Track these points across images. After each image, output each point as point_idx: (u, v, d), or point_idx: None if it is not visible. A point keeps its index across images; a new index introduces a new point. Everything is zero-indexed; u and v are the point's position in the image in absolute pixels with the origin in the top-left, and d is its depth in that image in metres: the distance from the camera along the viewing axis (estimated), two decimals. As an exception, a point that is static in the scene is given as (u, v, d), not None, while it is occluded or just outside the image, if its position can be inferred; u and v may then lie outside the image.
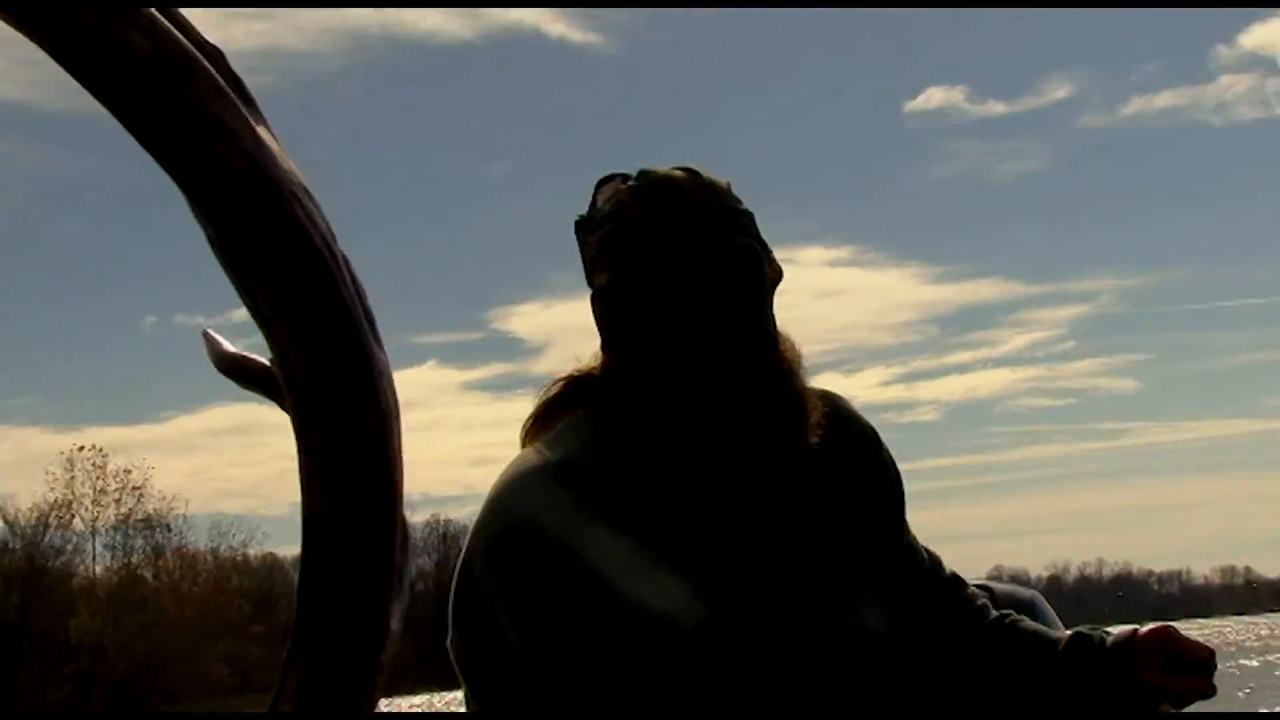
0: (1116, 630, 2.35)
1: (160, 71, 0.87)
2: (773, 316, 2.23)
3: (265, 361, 0.94)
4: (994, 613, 2.48)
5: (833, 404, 2.32)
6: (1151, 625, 2.31)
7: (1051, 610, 2.68)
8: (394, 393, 0.89)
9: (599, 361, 2.29)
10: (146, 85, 0.88)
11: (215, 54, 0.86)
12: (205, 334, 1.06)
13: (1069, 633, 2.41)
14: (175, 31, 0.88)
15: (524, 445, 2.33)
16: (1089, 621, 2.50)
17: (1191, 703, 2.30)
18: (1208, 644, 2.31)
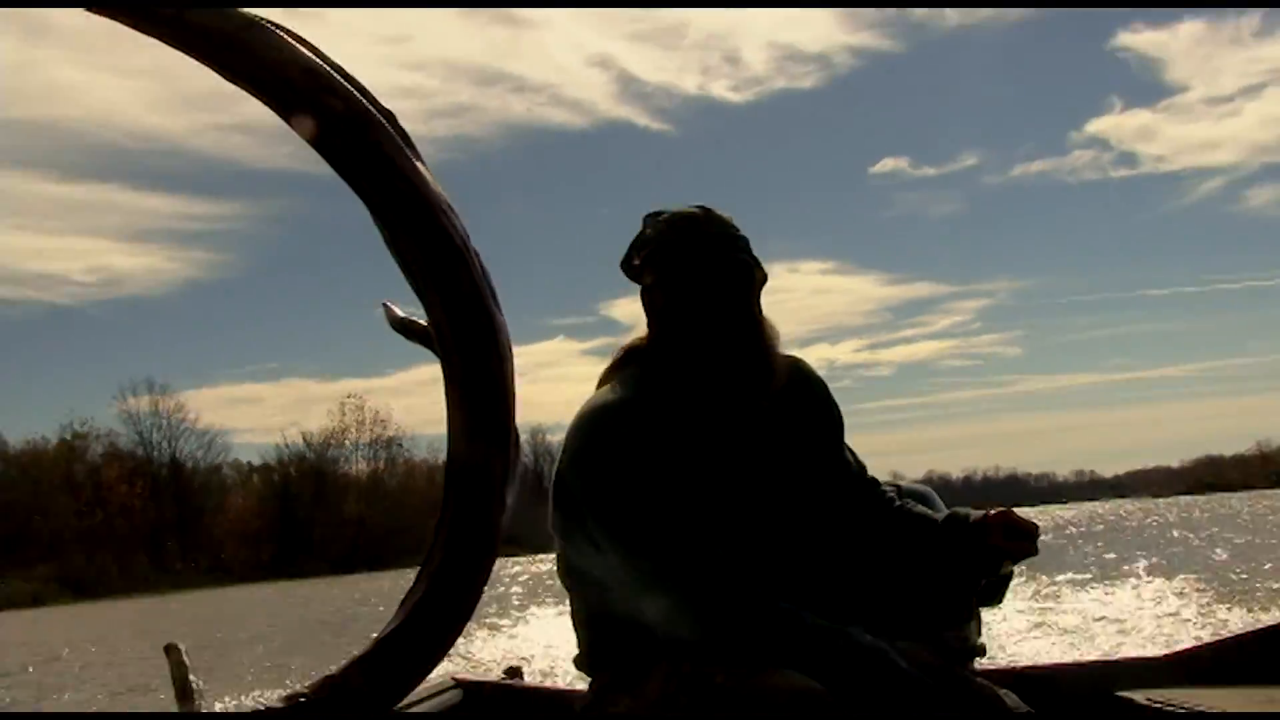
0: (978, 511, 3.16)
1: (352, 126, 1.14)
2: (759, 308, 3.06)
3: (423, 323, 1.25)
4: (898, 502, 3.26)
5: (797, 365, 3.19)
6: (1000, 509, 3.09)
7: (940, 500, 3.20)
8: (509, 344, 1.17)
9: (646, 336, 3.10)
10: (342, 136, 1.15)
11: (388, 114, 1.14)
12: (384, 304, 1.39)
13: (947, 512, 3.22)
14: (360, 97, 1.16)
15: (599, 387, 3.04)
16: (990, 506, 3.11)
17: (1021, 559, 3.07)
18: (1036, 521, 3.01)
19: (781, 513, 3.15)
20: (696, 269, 3.04)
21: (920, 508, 3.32)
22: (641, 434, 2.97)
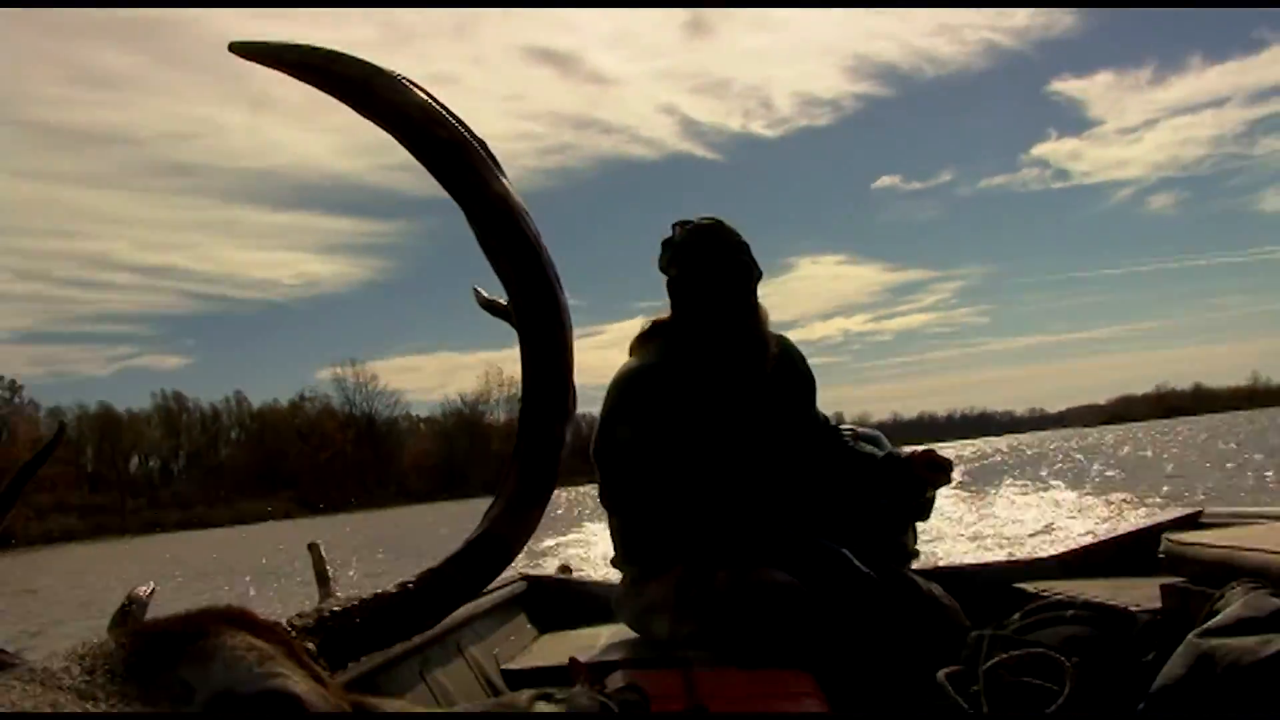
0: (909, 449, 3.44)
1: (453, 150, 1.17)
2: (755, 297, 3.22)
3: (504, 302, 1.24)
4: (852, 444, 3.47)
5: (782, 341, 3.33)
6: (924, 448, 3.37)
7: (887, 441, 3.68)
8: (569, 317, 1.26)
9: (669, 314, 3.31)
10: (448, 157, 1.16)
11: (481, 142, 1.20)
12: (474, 288, 1.38)
13: (886, 451, 3.51)
14: (459, 126, 1.16)
15: (631, 354, 3.34)
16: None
17: (939, 486, 3.37)
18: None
19: (769, 451, 3.22)
20: (709, 267, 3.15)
21: (869, 448, 3.46)
22: (659, 389, 3.11)
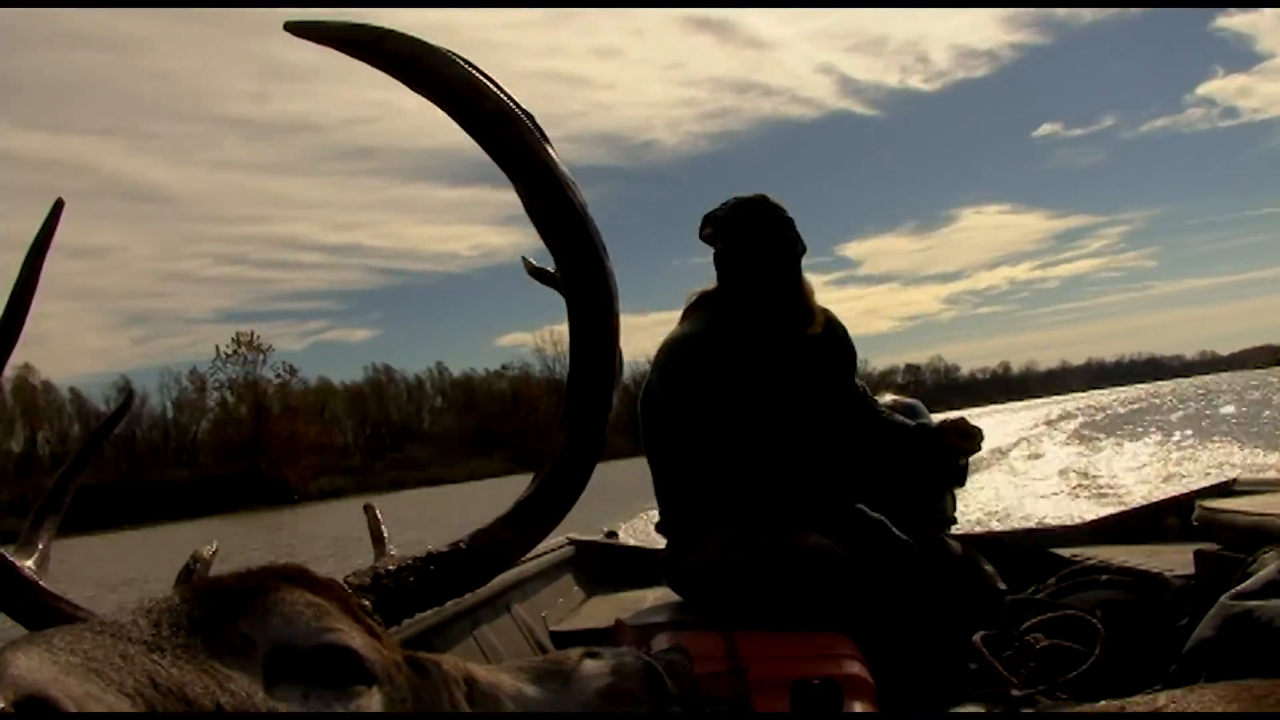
0: (940, 418, 3.46)
1: (500, 122, 1.17)
2: (800, 271, 3.21)
3: (552, 270, 1.23)
4: (887, 413, 3.43)
5: (827, 314, 3.29)
6: (955, 415, 3.38)
7: (926, 412, 3.64)
8: (615, 285, 1.21)
9: (715, 285, 3.29)
10: (495, 129, 1.15)
11: (529, 114, 1.18)
12: (523, 258, 1.37)
13: (918, 422, 3.46)
14: (506, 99, 1.16)
15: (679, 323, 3.30)
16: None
17: (969, 454, 3.34)
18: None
19: (811, 419, 3.22)
20: (754, 242, 3.13)
21: (902, 418, 3.41)
22: (707, 357, 3.08)
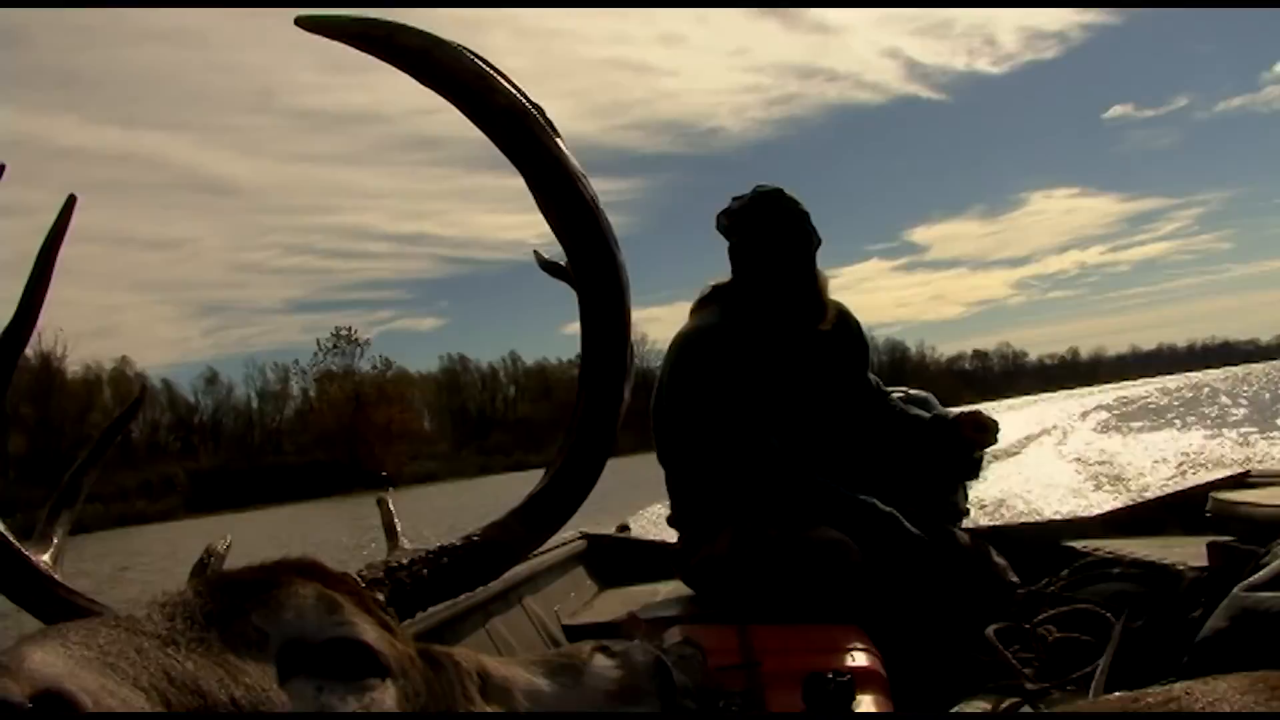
0: (955, 411, 3.39)
1: (509, 116, 1.17)
2: (815, 265, 3.20)
3: (562, 263, 1.23)
4: (900, 406, 3.41)
5: (839, 308, 3.29)
6: (970, 410, 3.31)
7: (938, 404, 3.60)
8: (627, 278, 1.24)
9: (729, 279, 3.27)
10: (504, 122, 1.15)
11: (538, 107, 1.17)
12: (535, 251, 1.37)
13: (934, 414, 3.44)
14: (515, 92, 1.15)
15: (691, 315, 3.28)
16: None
17: (985, 446, 3.31)
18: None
19: (822, 413, 3.21)
20: (769, 234, 3.12)
21: (918, 409, 3.39)
22: (720, 351, 3.07)
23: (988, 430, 3.28)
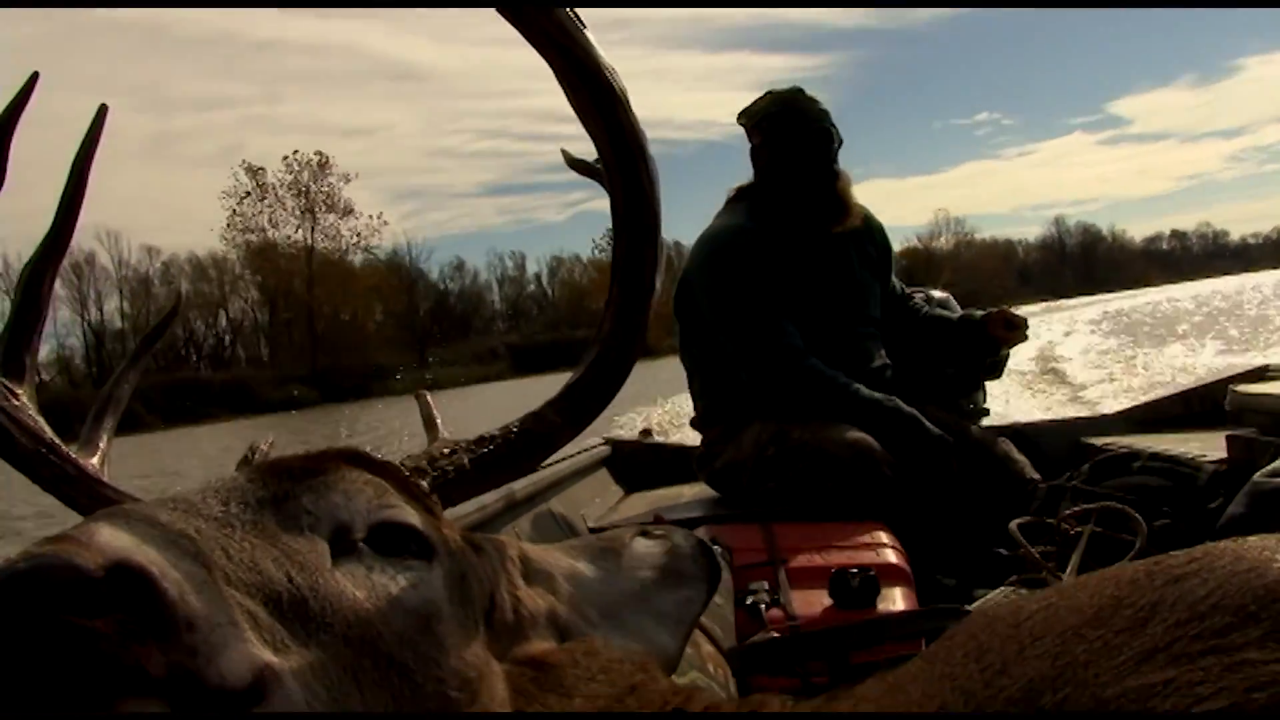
0: (981, 311, 3.38)
1: (539, 8, 1.17)
2: (836, 162, 3.20)
3: (592, 160, 1.23)
4: (925, 307, 3.49)
5: (864, 210, 3.31)
6: (999, 308, 3.34)
7: (957, 305, 3.66)
8: (655, 168, 1.22)
9: (752, 180, 3.34)
10: (534, 16, 1.19)
11: (610, 69, 1.21)
12: (562, 150, 1.37)
13: (961, 313, 3.48)
14: (590, 46, 1.19)
15: (716, 218, 3.30)
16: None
17: (1015, 344, 3.33)
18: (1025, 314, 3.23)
19: (845, 312, 3.23)
20: (791, 134, 3.13)
21: (942, 310, 3.44)
22: (745, 250, 3.09)
23: (1017, 328, 3.28)
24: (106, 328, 71.52)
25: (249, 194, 75.53)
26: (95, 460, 1.38)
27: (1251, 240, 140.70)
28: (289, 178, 76.21)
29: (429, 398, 1.47)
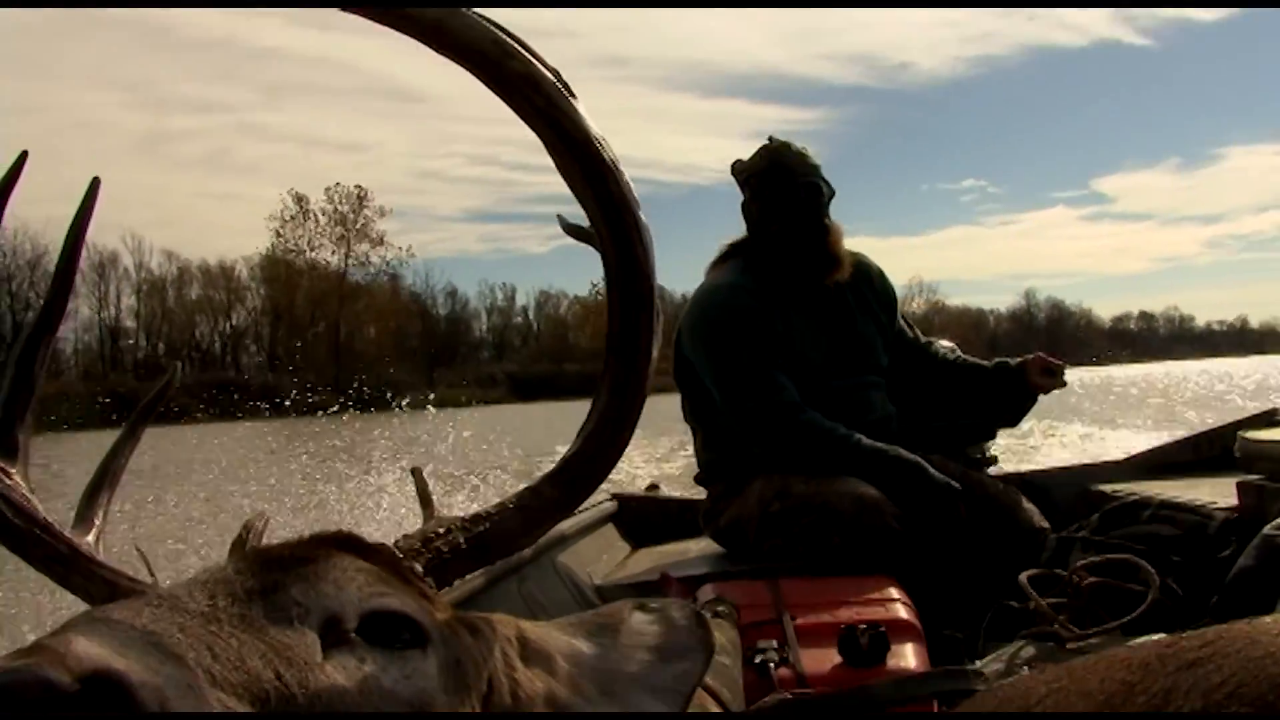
0: (1017, 359, 3.30)
1: (526, 81, 1.15)
2: (828, 215, 3.16)
3: (586, 226, 1.22)
4: (951, 354, 3.42)
5: (858, 259, 3.26)
6: (1037, 354, 3.25)
7: (964, 355, 3.54)
8: (649, 236, 1.22)
9: (745, 235, 3.30)
10: (521, 90, 1.13)
11: (555, 71, 1.16)
12: (558, 216, 1.36)
13: (996, 360, 3.38)
14: (532, 59, 1.14)
15: (708, 273, 3.31)
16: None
17: (1053, 389, 3.25)
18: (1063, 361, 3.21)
19: (845, 362, 3.19)
20: (778, 191, 3.10)
21: (969, 358, 3.41)
22: (738, 307, 3.08)
23: (1055, 375, 3.24)
24: (120, 326, 77.77)
25: (293, 218, 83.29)
26: (90, 538, 1.36)
27: (1216, 327, 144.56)
28: (330, 207, 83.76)
29: (424, 473, 1.46)
